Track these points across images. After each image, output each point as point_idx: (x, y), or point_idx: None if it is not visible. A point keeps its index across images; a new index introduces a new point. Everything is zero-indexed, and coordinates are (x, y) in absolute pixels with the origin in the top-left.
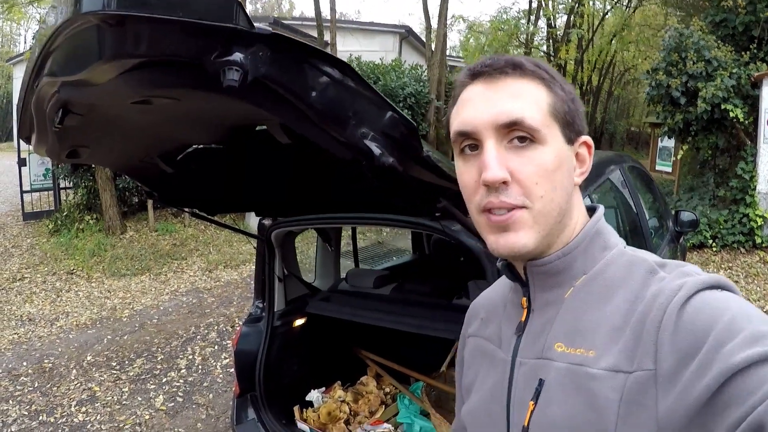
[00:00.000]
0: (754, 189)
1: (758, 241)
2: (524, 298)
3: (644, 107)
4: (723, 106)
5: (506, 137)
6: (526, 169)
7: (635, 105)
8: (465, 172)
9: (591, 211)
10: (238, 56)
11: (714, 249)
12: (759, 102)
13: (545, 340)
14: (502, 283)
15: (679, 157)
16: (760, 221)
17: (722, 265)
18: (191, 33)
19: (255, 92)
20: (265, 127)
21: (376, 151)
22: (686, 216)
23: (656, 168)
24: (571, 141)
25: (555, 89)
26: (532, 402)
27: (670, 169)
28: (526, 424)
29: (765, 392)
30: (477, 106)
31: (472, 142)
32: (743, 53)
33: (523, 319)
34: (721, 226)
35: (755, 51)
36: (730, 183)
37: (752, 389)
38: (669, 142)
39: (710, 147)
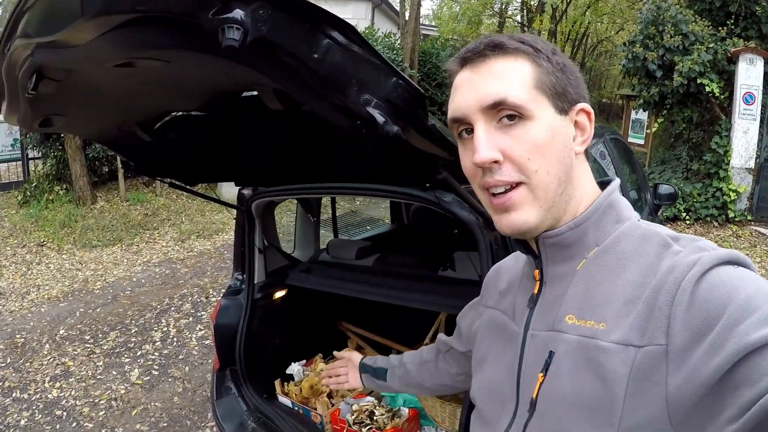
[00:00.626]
0: (728, 163)
1: (731, 215)
2: (537, 271)
3: (616, 79)
4: (699, 81)
5: (494, 117)
6: (517, 146)
7: (607, 77)
8: (464, 156)
9: (605, 184)
10: (238, 13)
11: (687, 222)
12: (734, 77)
13: (557, 313)
14: (521, 255)
15: (653, 130)
16: (733, 195)
17: None
18: None
19: (253, 54)
20: (252, 93)
21: (380, 119)
22: (665, 189)
23: (629, 140)
24: (564, 111)
25: (540, 62)
26: (541, 374)
27: (642, 142)
28: (534, 396)
29: None
30: (464, 92)
31: (466, 126)
32: (720, 28)
33: (536, 291)
34: (695, 200)
35: (732, 26)
36: (705, 157)
37: (766, 370)
38: (642, 115)
39: (685, 120)
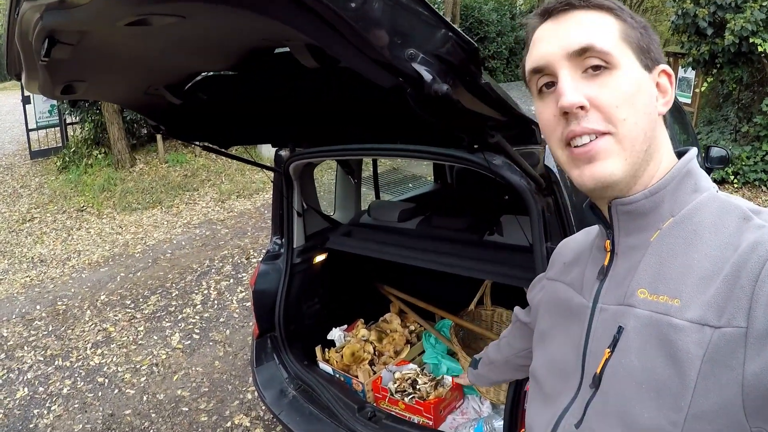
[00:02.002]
0: None
1: None
2: (608, 241)
3: (663, 35)
4: (751, 39)
5: (580, 66)
6: (604, 93)
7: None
8: (544, 110)
9: (681, 155)
10: None
11: (735, 185)
12: None
13: (628, 286)
14: (594, 229)
15: (702, 89)
16: None
17: None
18: None
19: (281, 5)
20: (286, 49)
21: (427, 76)
22: (716, 152)
23: (676, 98)
24: (648, 68)
25: (624, 17)
26: (608, 350)
27: (689, 101)
28: (598, 371)
29: None
30: (547, 41)
31: (548, 78)
32: None
33: (606, 263)
34: (743, 163)
35: None
36: (755, 119)
37: None
38: (690, 73)
39: (735, 81)
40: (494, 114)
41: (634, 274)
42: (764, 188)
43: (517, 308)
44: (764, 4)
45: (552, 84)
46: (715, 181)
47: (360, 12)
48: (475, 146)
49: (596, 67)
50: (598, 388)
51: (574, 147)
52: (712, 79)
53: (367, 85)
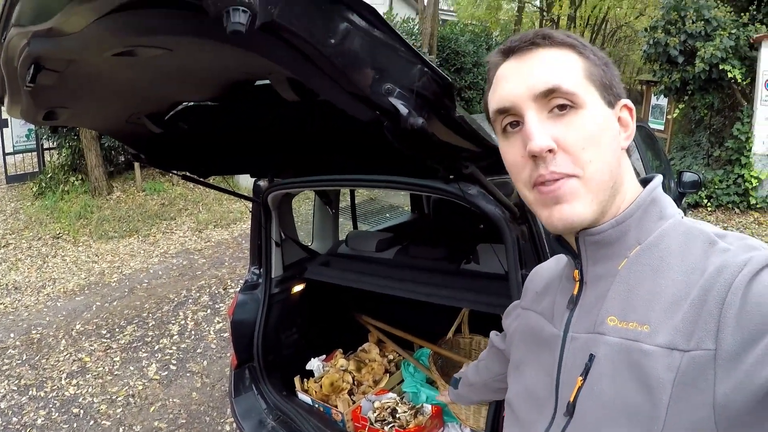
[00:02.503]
0: (750, 150)
1: (753, 201)
2: (576, 271)
3: (635, 64)
4: (721, 66)
5: (546, 107)
6: (570, 135)
7: (626, 62)
8: (509, 150)
9: (646, 182)
10: None
11: (709, 208)
12: (757, 63)
13: (598, 314)
14: (562, 258)
15: (674, 115)
16: (755, 182)
17: (717, 225)
18: None
19: (263, 40)
20: (266, 81)
21: (403, 110)
22: (689, 177)
23: (648, 126)
24: (611, 104)
25: (587, 54)
26: (580, 378)
27: (662, 128)
28: (572, 400)
29: None
30: (512, 81)
31: (512, 118)
32: (742, 14)
33: (576, 292)
34: (716, 186)
35: (754, 12)
36: (726, 143)
37: None
38: (662, 101)
39: (706, 106)
40: (469, 145)
41: (603, 302)
42: (737, 210)
43: (492, 333)
44: (733, 32)
45: (517, 123)
46: (689, 205)
47: (339, 48)
48: (451, 177)
49: (562, 107)
50: (572, 416)
51: (541, 185)
52: (683, 105)
53: (345, 117)
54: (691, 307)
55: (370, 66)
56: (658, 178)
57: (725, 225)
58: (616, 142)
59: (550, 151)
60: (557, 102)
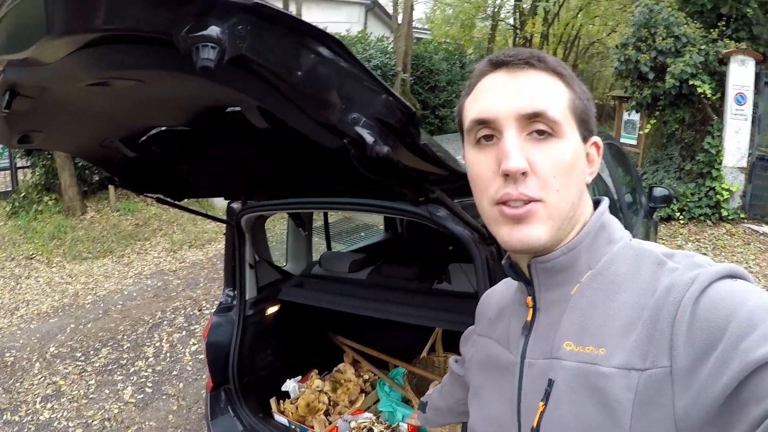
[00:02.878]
0: (721, 163)
1: (724, 213)
2: (529, 297)
3: (608, 81)
4: (691, 82)
5: (526, 128)
6: (545, 161)
7: (599, 78)
8: (479, 163)
9: (596, 204)
10: (214, 31)
11: (681, 221)
12: (726, 78)
13: (553, 340)
14: (512, 281)
15: (646, 131)
16: (726, 194)
17: (690, 238)
18: (158, 2)
19: (232, 73)
20: (237, 108)
21: (369, 139)
22: (660, 192)
23: (621, 141)
24: (585, 139)
25: (574, 87)
26: (541, 403)
27: (635, 142)
28: (534, 425)
29: None
30: (499, 95)
31: (490, 131)
32: (711, 30)
33: (529, 318)
34: (688, 199)
35: (723, 28)
36: (697, 157)
37: None
38: (634, 116)
39: (677, 121)
40: (436, 170)
41: (558, 328)
42: (709, 222)
43: (452, 360)
44: (702, 47)
45: (491, 137)
46: (661, 218)
47: (306, 79)
48: (421, 199)
49: (541, 132)
50: None
51: (505, 206)
52: (655, 120)
53: (316, 143)
54: (644, 327)
55: (337, 96)
56: (605, 202)
57: (698, 237)
58: (582, 177)
59: (524, 173)
60: (538, 127)
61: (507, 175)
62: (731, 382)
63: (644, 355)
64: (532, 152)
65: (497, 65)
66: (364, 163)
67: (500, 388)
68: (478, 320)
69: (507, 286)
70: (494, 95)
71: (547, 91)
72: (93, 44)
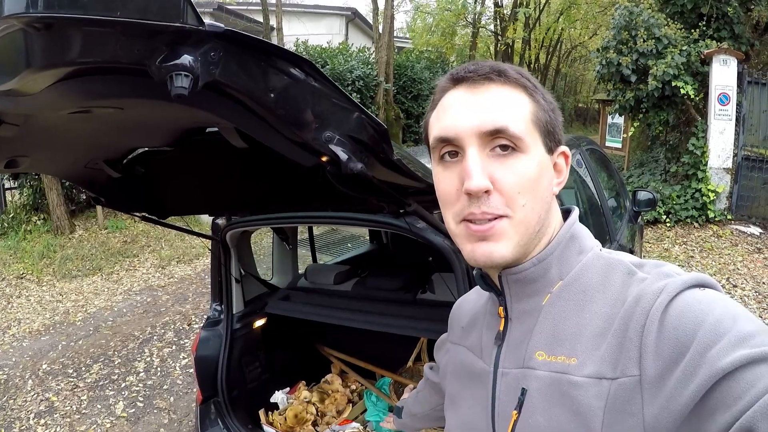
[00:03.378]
0: (706, 164)
1: (711, 215)
2: (501, 308)
3: (591, 84)
4: (674, 83)
5: (489, 145)
6: (508, 178)
7: (582, 82)
8: (444, 180)
9: (566, 213)
10: (187, 59)
11: (668, 224)
12: (709, 78)
13: (526, 349)
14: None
15: (630, 134)
16: (712, 196)
17: (677, 241)
18: (132, 35)
19: (207, 98)
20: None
21: (343, 156)
22: (644, 195)
23: (606, 144)
24: (551, 150)
25: (537, 98)
26: (515, 412)
27: (620, 145)
28: None
29: (753, 396)
30: (460, 112)
31: (453, 148)
32: (693, 31)
33: (501, 328)
34: (674, 202)
35: (704, 28)
36: (682, 159)
37: (740, 393)
38: (619, 119)
39: (661, 123)
40: (412, 183)
41: (530, 338)
42: (696, 225)
43: (426, 367)
44: (684, 48)
45: (456, 153)
46: (647, 222)
47: (279, 100)
48: (401, 211)
49: (504, 147)
50: None
51: (471, 223)
52: (638, 123)
53: (291, 163)
54: (614, 337)
55: (310, 115)
56: (575, 212)
57: (685, 240)
58: (549, 189)
59: (486, 191)
60: (501, 142)
61: (470, 194)
62: (699, 390)
63: (614, 364)
64: (495, 169)
65: (458, 81)
66: (340, 179)
67: (474, 396)
68: (451, 328)
69: (479, 295)
70: (455, 113)
71: (508, 106)
72: (73, 76)
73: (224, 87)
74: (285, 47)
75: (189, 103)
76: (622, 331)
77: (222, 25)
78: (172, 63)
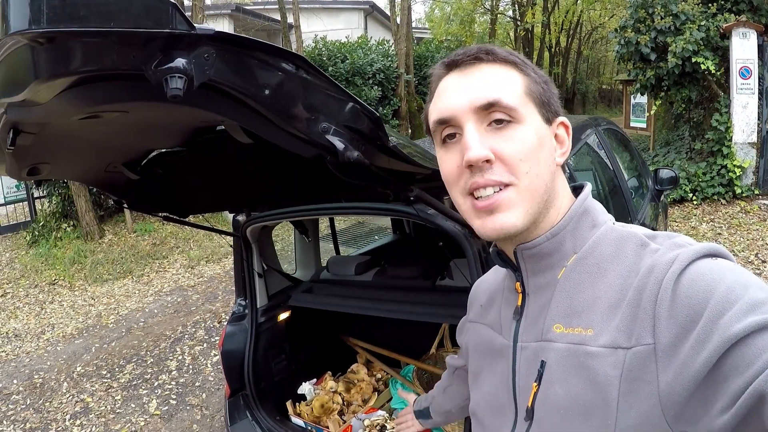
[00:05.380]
0: (730, 140)
1: (738, 191)
2: (518, 283)
3: (614, 65)
4: (694, 59)
5: (485, 120)
6: (508, 146)
7: (605, 63)
8: (447, 160)
9: (578, 190)
10: (180, 62)
11: (695, 202)
12: (729, 53)
13: (543, 323)
14: (501, 268)
15: (652, 112)
16: (738, 171)
17: (704, 218)
18: (127, 43)
19: (204, 97)
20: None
21: (340, 146)
22: (665, 173)
23: (631, 125)
24: (549, 121)
25: (528, 71)
26: (535, 384)
27: (645, 125)
28: (529, 405)
29: (765, 361)
30: (454, 93)
31: (452, 130)
32: (710, 5)
33: (519, 303)
34: (700, 179)
35: (722, 2)
36: (706, 135)
37: (752, 359)
38: (642, 99)
39: (683, 101)
40: (417, 169)
41: (547, 311)
42: (723, 201)
43: (449, 358)
44: (702, 23)
45: (455, 135)
46: (674, 200)
47: (274, 95)
48: (411, 198)
49: (500, 121)
50: (532, 420)
51: (477, 199)
52: (660, 102)
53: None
54: (628, 307)
55: (305, 109)
56: (588, 187)
57: (712, 218)
58: (551, 158)
59: (488, 161)
60: (496, 116)
61: (472, 166)
62: (712, 357)
63: (629, 334)
64: (494, 141)
65: (450, 66)
66: (339, 168)
67: (495, 371)
68: (470, 308)
69: (496, 273)
70: (450, 94)
71: (499, 81)
72: (78, 84)
73: (220, 86)
74: (304, 44)
75: (188, 103)
76: (636, 301)
77: (212, 27)
78: (166, 66)
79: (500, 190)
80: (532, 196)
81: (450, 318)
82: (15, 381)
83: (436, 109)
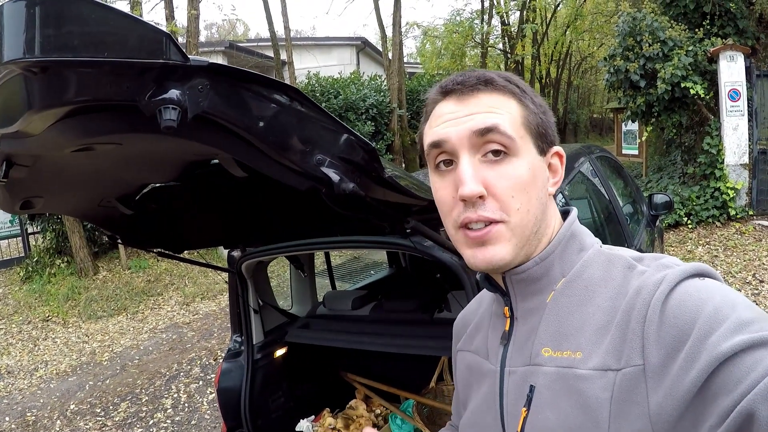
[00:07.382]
0: (722, 162)
1: (732, 213)
2: (506, 308)
3: (604, 94)
4: (683, 84)
5: (480, 150)
6: (502, 182)
7: (595, 92)
8: (441, 188)
9: (565, 213)
10: (174, 93)
11: (690, 226)
12: (717, 76)
13: (532, 347)
14: (486, 294)
15: (644, 139)
16: (732, 193)
17: (699, 241)
18: (121, 73)
19: (197, 129)
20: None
21: (335, 178)
22: (660, 198)
23: (623, 152)
24: (543, 152)
25: (526, 102)
26: (524, 409)
27: (636, 152)
28: (519, 430)
29: (753, 380)
30: (451, 120)
31: (446, 156)
32: (697, 30)
33: (507, 328)
34: (694, 203)
35: (708, 27)
36: (698, 159)
37: (740, 378)
38: (633, 126)
39: (674, 126)
40: (413, 201)
41: (536, 335)
42: (718, 224)
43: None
44: (690, 48)
45: (450, 162)
46: (668, 225)
47: (268, 127)
48: (408, 230)
49: (496, 152)
50: None
51: (468, 229)
52: (651, 128)
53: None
54: (617, 329)
55: (300, 140)
56: (574, 212)
57: (708, 240)
58: (544, 190)
59: (480, 197)
60: (492, 147)
61: (465, 201)
62: (701, 376)
63: (619, 356)
64: (488, 174)
65: (447, 93)
66: (335, 200)
67: (483, 397)
68: (456, 338)
69: (480, 302)
70: (446, 120)
71: (497, 110)
72: (71, 114)
73: (214, 118)
74: (297, 80)
75: (181, 135)
76: (624, 323)
77: (205, 59)
78: (160, 98)
79: (491, 224)
80: (522, 231)
81: (449, 351)
82: (7, 418)
83: (431, 132)
